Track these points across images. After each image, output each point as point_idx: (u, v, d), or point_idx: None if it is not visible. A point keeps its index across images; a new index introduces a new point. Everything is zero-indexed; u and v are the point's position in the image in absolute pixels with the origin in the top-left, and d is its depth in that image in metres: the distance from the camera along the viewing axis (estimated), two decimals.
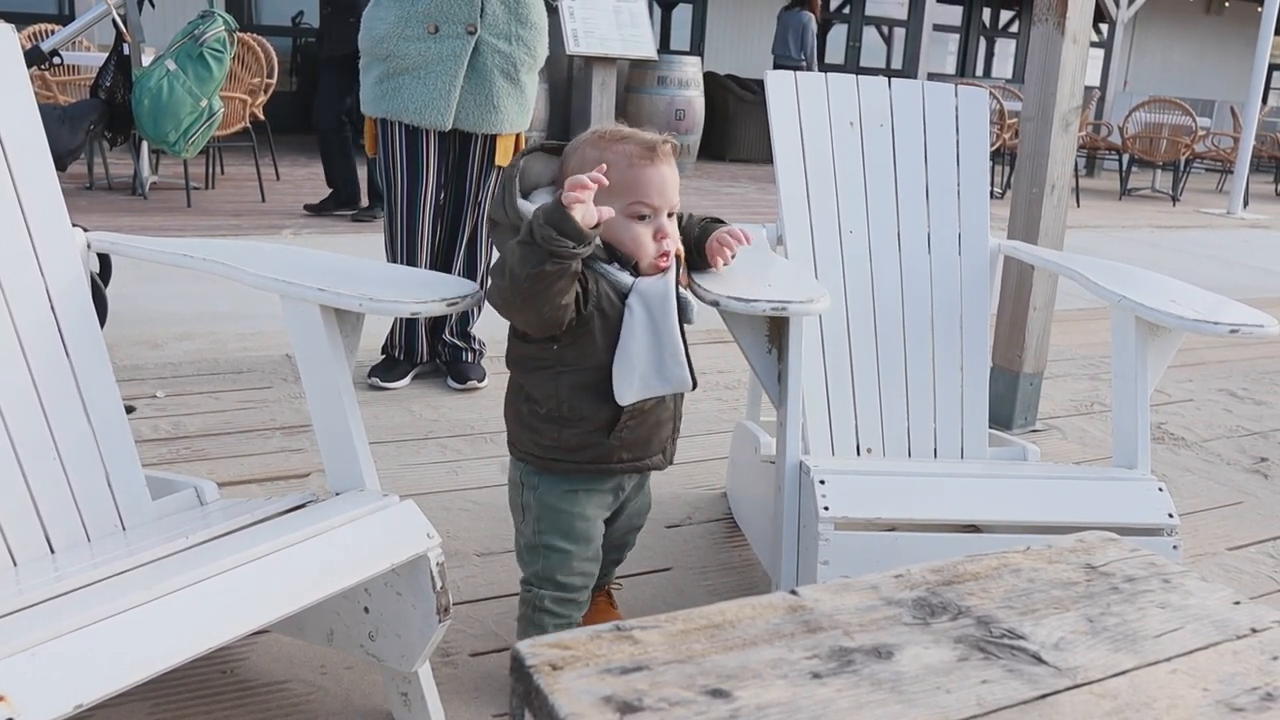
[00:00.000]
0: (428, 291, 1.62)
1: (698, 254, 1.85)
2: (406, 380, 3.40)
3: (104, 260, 3.81)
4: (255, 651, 1.90)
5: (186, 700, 1.76)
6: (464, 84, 3.16)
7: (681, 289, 1.70)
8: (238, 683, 1.82)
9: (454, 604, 2.07)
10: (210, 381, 3.31)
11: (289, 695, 1.79)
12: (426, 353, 3.46)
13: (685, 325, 1.67)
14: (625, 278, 1.65)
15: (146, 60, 4.80)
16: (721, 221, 1.88)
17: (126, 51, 4.40)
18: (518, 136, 3.35)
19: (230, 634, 1.32)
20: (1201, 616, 1.06)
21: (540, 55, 3.31)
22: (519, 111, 3.29)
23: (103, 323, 3.35)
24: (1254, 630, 1.04)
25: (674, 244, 1.69)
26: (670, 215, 1.69)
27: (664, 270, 1.68)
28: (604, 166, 1.54)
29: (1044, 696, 0.90)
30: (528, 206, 1.62)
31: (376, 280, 1.68)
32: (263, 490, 2.56)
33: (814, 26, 10.13)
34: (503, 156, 3.31)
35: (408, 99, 3.15)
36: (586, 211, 1.50)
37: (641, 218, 1.65)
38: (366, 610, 1.63)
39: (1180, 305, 1.90)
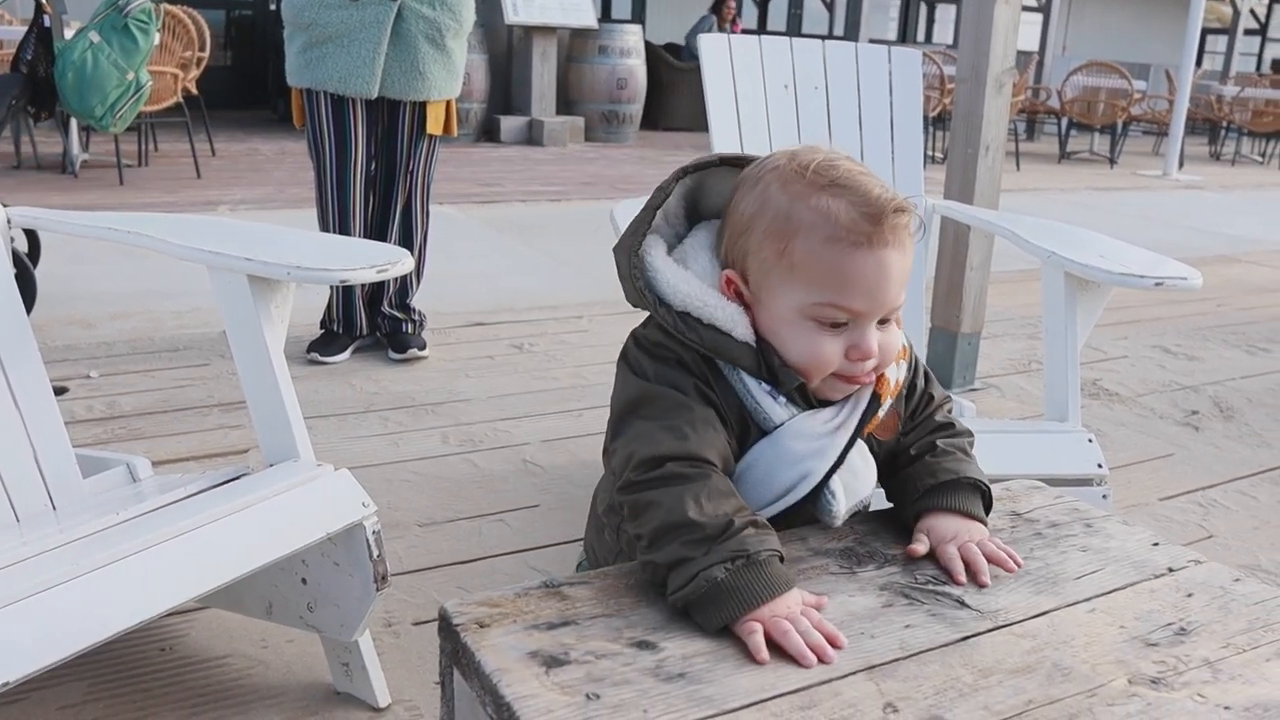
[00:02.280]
0: (357, 259, 1.60)
1: (902, 498, 1.14)
2: (346, 354, 3.37)
3: (33, 239, 3.73)
4: (195, 627, 1.88)
5: (124, 678, 1.74)
6: (389, 51, 3.12)
7: (863, 450, 1.09)
8: (177, 659, 1.80)
9: (397, 574, 2.07)
10: (146, 360, 3.26)
11: (229, 670, 1.78)
12: (366, 326, 3.42)
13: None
14: (776, 410, 1.05)
15: (69, 33, 4.68)
16: (985, 496, 1.13)
17: (47, 24, 4.28)
18: (448, 103, 3.32)
19: (161, 607, 1.31)
20: (1121, 558, 1.09)
21: (466, 20, 3.27)
22: (447, 78, 3.26)
23: (32, 302, 3.29)
24: (1170, 570, 1.07)
25: (879, 367, 1.07)
26: (885, 322, 1.06)
27: (849, 396, 1.08)
28: (836, 647, 0.88)
29: (966, 639, 0.92)
30: (668, 278, 1.06)
31: (305, 249, 1.66)
32: (200, 468, 2.53)
33: (709, 29, 10.72)
34: (433, 124, 3.27)
35: (331, 68, 3.11)
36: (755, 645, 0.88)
37: (833, 325, 1.04)
38: (304, 581, 1.62)
39: (1107, 260, 1.93)
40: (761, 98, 2.46)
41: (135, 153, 6.81)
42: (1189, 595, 1.02)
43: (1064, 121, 11.24)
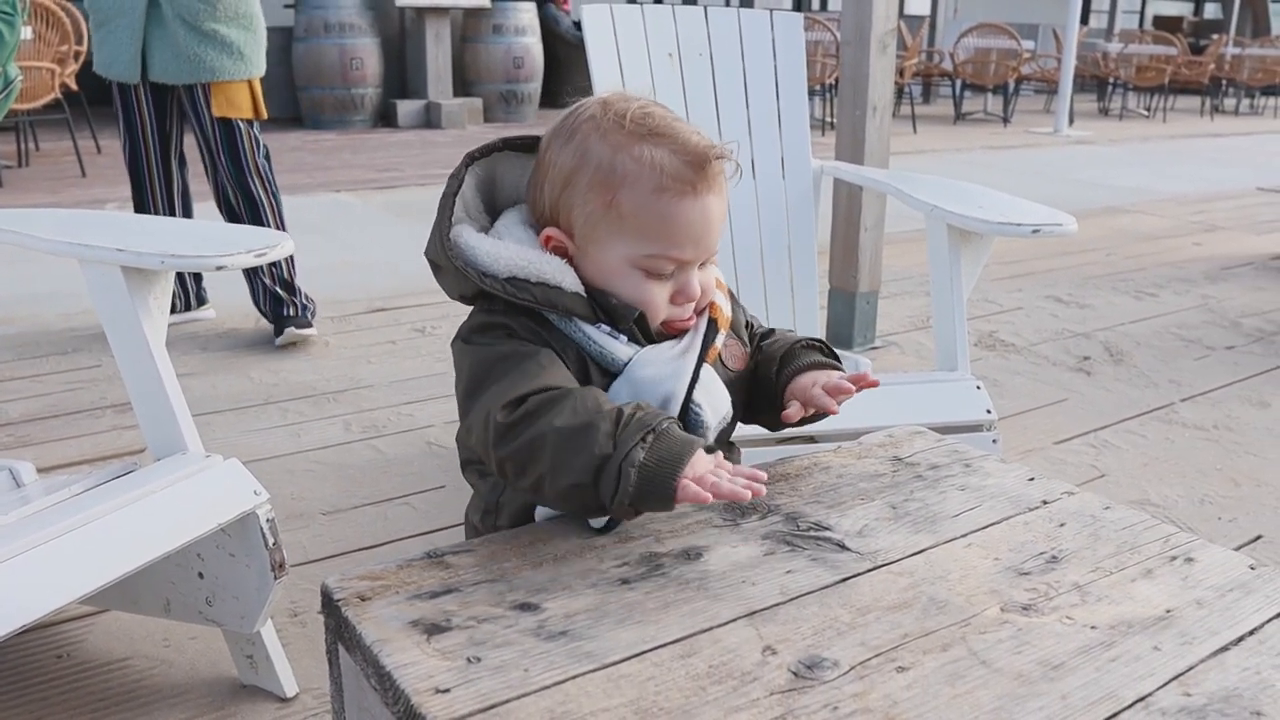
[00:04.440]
0: (234, 244, 1.57)
1: (772, 396, 1.17)
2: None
3: None
4: (93, 632, 1.84)
5: (19, 688, 1.69)
6: (155, 35, 3.10)
7: (712, 372, 1.11)
8: (75, 665, 1.76)
9: (302, 564, 2.04)
10: (33, 365, 3.16)
11: (131, 672, 1.74)
12: (193, 299, 3.59)
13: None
14: (619, 349, 1.07)
15: None
16: (826, 350, 1.21)
17: None
18: (249, 84, 3.22)
19: (49, 607, 1.27)
20: (998, 494, 1.12)
21: (223, 1, 3.11)
22: (225, 59, 3.14)
23: None
24: (1045, 502, 1.10)
25: (705, 302, 1.12)
26: (703, 265, 1.11)
27: (683, 330, 1.11)
28: (759, 482, 0.94)
29: (845, 580, 0.94)
30: (485, 249, 1.06)
31: (180, 237, 1.62)
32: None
33: (554, 14, 10.59)
34: (223, 106, 3.18)
35: (105, 53, 3.16)
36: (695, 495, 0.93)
37: (659, 275, 1.07)
38: (201, 575, 1.59)
39: (986, 211, 1.97)
40: (646, 67, 2.45)
41: (14, 153, 6.58)
42: (1061, 525, 1.05)
43: (958, 83, 11.45)
